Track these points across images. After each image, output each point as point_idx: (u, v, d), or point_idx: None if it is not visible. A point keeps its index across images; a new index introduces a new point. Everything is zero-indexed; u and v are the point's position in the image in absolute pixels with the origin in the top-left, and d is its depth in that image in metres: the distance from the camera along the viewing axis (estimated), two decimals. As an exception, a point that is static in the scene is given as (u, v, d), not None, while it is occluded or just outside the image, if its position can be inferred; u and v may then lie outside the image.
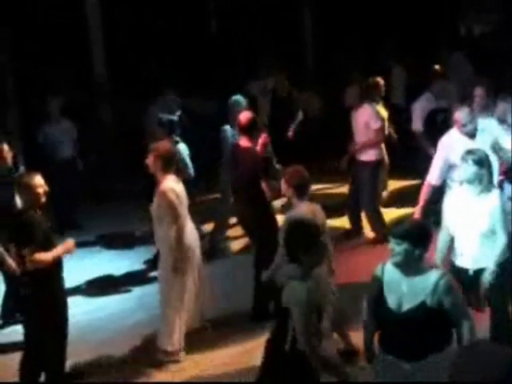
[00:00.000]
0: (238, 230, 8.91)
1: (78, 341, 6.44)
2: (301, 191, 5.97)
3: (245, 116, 7.40)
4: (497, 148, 6.56)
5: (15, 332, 6.81)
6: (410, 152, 10.01)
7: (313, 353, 4.41)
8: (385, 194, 10.16)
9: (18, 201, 6.98)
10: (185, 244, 6.36)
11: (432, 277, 4.26)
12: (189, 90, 12.27)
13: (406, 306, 4.26)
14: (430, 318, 4.22)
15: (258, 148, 7.49)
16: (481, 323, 5.68)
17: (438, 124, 8.76)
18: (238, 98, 8.89)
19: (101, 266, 8.91)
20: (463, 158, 5.59)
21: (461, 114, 6.77)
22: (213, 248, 8.84)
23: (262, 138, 7.62)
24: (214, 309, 6.97)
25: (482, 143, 6.51)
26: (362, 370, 5.32)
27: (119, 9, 13.05)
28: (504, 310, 5.77)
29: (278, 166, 8.55)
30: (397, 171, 10.51)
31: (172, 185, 6.36)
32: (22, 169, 8.19)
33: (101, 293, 8.18)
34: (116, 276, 8.65)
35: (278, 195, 7.88)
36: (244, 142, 7.34)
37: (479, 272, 5.56)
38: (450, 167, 6.81)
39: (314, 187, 10.33)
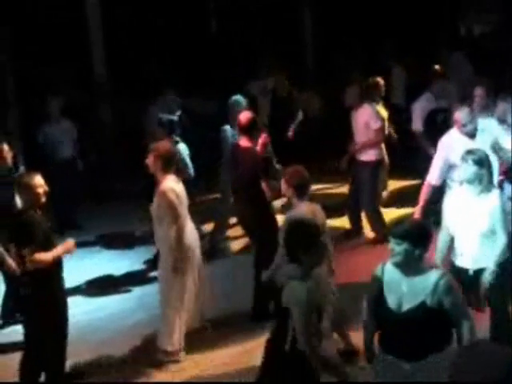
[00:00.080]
0: (238, 230, 8.91)
1: (77, 341, 6.44)
2: (301, 191, 5.97)
3: (245, 116, 7.40)
4: (497, 148, 6.57)
5: (15, 332, 6.81)
6: (409, 152, 10.01)
7: (313, 353, 4.41)
8: (385, 194, 10.16)
9: (18, 201, 6.98)
10: (185, 244, 6.36)
11: (432, 277, 4.26)
12: (189, 90, 12.27)
13: (405, 306, 4.26)
14: (429, 318, 4.22)
15: (258, 148, 7.49)
16: (481, 323, 5.68)
17: (438, 124, 8.77)
18: (238, 97, 8.89)
19: (101, 266, 8.91)
20: (463, 158, 5.59)
21: (461, 114, 6.77)
22: (213, 248, 8.84)
23: (262, 138, 7.63)
24: (213, 309, 6.97)
25: (482, 143, 6.51)
26: (362, 370, 5.32)
27: (119, 9, 13.05)
28: (504, 310, 5.77)
29: (278, 166, 8.55)
30: (397, 171, 10.51)
31: (172, 185, 6.36)
32: (22, 169, 8.19)
33: (101, 293, 8.18)
34: (116, 276, 8.65)
35: (278, 195, 7.88)
36: (244, 141, 7.34)
37: (479, 272, 5.56)
38: (450, 167, 6.81)
39: (314, 187, 10.32)
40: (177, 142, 8.25)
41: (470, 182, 5.54)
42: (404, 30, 14.51)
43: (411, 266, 4.30)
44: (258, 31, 14.88)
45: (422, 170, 7.39)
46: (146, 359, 6.58)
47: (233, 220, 8.87)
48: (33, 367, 5.96)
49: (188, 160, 8.30)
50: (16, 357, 6.14)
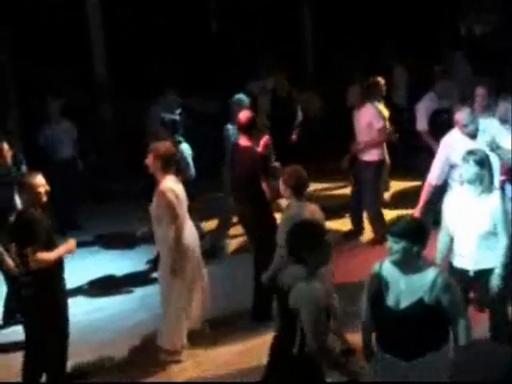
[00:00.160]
0: (238, 230, 8.91)
1: (79, 341, 6.44)
2: (298, 191, 5.98)
3: (244, 115, 7.40)
4: (494, 147, 6.53)
5: (16, 332, 6.82)
6: (410, 151, 10.01)
7: (323, 352, 4.38)
8: (387, 194, 10.16)
9: (18, 200, 6.99)
10: (184, 244, 6.37)
11: (430, 274, 4.27)
12: (189, 89, 12.28)
13: (403, 304, 4.27)
14: (427, 316, 4.23)
15: (260, 149, 7.48)
16: (481, 323, 5.70)
17: (440, 125, 8.76)
18: (241, 96, 8.91)
19: (101, 266, 8.91)
20: (464, 159, 5.58)
21: (462, 115, 6.77)
22: (213, 247, 8.84)
23: (264, 140, 7.61)
24: (214, 309, 6.97)
25: (483, 143, 6.51)
26: (362, 370, 5.31)
27: (120, 9, 13.06)
28: (504, 310, 5.77)
29: (276, 164, 8.50)
30: (398, 171, 10.52)
31: (171, 185, 6.36)
32: (24, 168, 8.20)
33: (101, 293, 8.18)
34: (117, 276, 8.65)
35: (278, 195, 7.88)
36: (243, 141, 7.34)
37: (479, 273, 5.56)
38: (451, 167, 6.81)
39: (315, 188, 10.38)
40: (179, 142, 8.25)
41: (470, 182, 5.53)
42: (404, 30, 14.51)
43: (409, 263, 4.31)
44: (258, 31, 14.90)
45: (423, 170, 7.39)
46: (148, 359, 6.58)
47: (233, 219, 8.89)
48: (34, 367, 5.96)
49: (190, 160, 8.30)
50: (17, 357, 6.15)
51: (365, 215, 9.12)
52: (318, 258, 4.52)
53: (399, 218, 4.58)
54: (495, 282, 5.49)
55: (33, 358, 5.93)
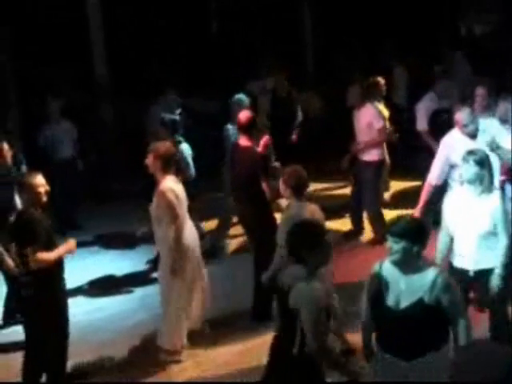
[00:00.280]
0: (238, 230, 8.91)
1: (78, 341, 6.44)
2: (298, 191, 5.98)
3: (244, 115, 7.40)
4: (494, 147, 6.52)
5: (16, 332, 6.82)
6: (410, 151, 10.01)
7: (323, 352, 4.38)
8: (387, 195, 10.16)
9: (18, 200, 6.99)
10: (183, 244, 6.36)
11: (430, 274, 4.27)
12: (189, 89, 12.28)
13: (403, 304, 4.27)
14: (427, 315, 4.23)
15: (260, 149, 7.48)
16: (481, 323, 5.70)
17: (440, 125, 8.76)
18: (241, 96, 8.91)
19: (101, 266, 8.91)
20: (464, 159, 5.57)
21: (462, 115, 6.76)
22: (213, 247, 8.85)
23: (265, 140, 7.61)
24: (213, 309, 6.97)
25: (483, 143, 6.50)
26: (362, 370, 5.31)
27: (120, 9, 13.06)
28: (503, 310, 5.77)
29: (276, 164, 8.50)
30: (398, 171, 10.52)
31: (171, 185, 6.36)
32: (24, 168, 8.20)
33: (101, 293, 8.18)
34: (117, 276, 8.65)
35: (278, 195, 7.89)
36: (243, 141, 7.34)
37: (479, 273, 5.56)
38: (451, 167, 6.81)
39: (315, 188, 10.38)
40: (179, 142, 8.26)
41: (470, 182, 5.52)
42: (404, 30, 14.51)
43: (409, 263, 4.31)
44: (258, 31, 14.90)
45: (423, 170, 7.39)
46: (148, 359, 6.58)
47: (233, 219, 8.89)
48: (34, 368, 5.96)
49: (190, 160, 8.30)
50: (17, 357, 6.15)
51: (365, 215, 9.12)
52: (318, 258, 4.52)
53: (399, 218, 4.58)
54: (495, 282, 5.49)
55: (33, 358, 5.93)
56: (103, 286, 8.36)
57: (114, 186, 11.59)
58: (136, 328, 7.17)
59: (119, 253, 9.41)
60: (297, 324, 4.38)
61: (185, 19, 13.92)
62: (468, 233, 5.52)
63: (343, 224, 9.42)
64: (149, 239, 8.10)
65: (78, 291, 8.03)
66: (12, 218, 6.05)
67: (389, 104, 9.80)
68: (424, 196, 6.91)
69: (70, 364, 6.17)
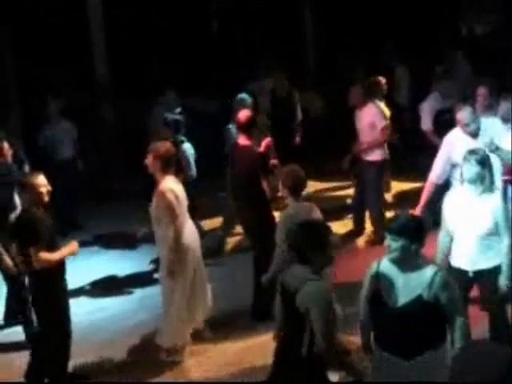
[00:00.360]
0: (237, 230, 8.90)
1: (80, 341, 6.43)
2: (296, 191, 5.99)
3: (244, 114, 7.40)
4: (493, 148, 6.51)
5: (16, 332, 6.83)
6: (412, 151, 10.00)
7: (332, 352, 4.37)
8: (388, 195, 10.15)
9: (18, 200, 6.99)
10: (183, 244, 6.36)
11: (428, 272, 4.28)
12: (190, 90, 12.28)
13: (402, 301, 4.27)
14: (425, 313, 4.23)
15: (262, 149, 7.47)
16: (481, 323, 5.71)
17: (442, 124, 8.75)
18: (244, 96, 8.92)
19: (102, 266, 8.91)
20: (465, 158, 5.56)
21: (463, 114, 6.77)
22: (218, 246, 8.87)
23: (266, 141, 7.61)
24: (214, 309, 6.97)
25: (483, 144, 6.50)
26: (366, 370, 5.31)
27: (121, 9, 13.06)
28: (504, 312, 5.77)
29: (274, 161, 8.46)
30: (399, 171, 10.51)
31: (171, 185, 6.35)
32: (27, 168, 8.21)
33: (103, 293, 8.18)
34: (118, 276, 8.64)
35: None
36: (243, 140, 7.34)
37: (478, 273, 5.55)
38: (452, 166, 6.81)
39: (315, 188, 10.38)
40: (182, 142, 8.26)
41: (471, 181, 5.51)
42: (405, 30, 14.51)
43: (408, 261, 4.31)
44: (259, 31, 14.90)
45: (424, 169, 7.38)
46: (149, 359, 6.58)
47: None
48: (39, 368, 5.96)
49: (191, 160, 8.29)
50: (18, 357, 6.15)
51: (367, 215, 9.11)
52: (323, 258, 4.51)
53: (398, 216, 4.58)
54: (505, 281, 5.47)
55: (38, 359, 5.92)
56: (104, 286, 8.36)
57: (114, 185, 11.59)
58: (137, 328, 7.17)
59: (119, 253, 9.40)
60: (305, 324, 4.35)
61: (185, 19, 13.91)
62: (468, 233, 5.52)
63: (343, 224, 9.42)
64: (149, 239, 8.10)
65: (79, 291, 8.03)
66: (13, 218, 6.05)
67: (390, 104, 9.79)
68: (425, 195, 6.91)
69: (71, 364, 6.17)
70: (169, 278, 6.34)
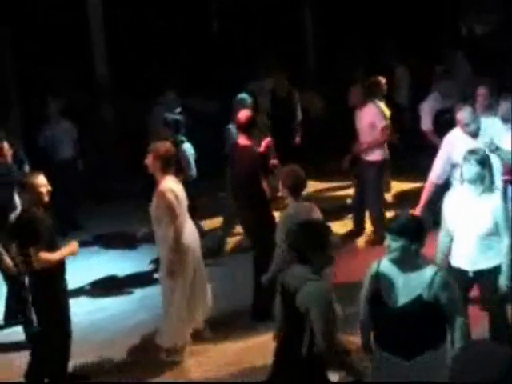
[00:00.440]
0: (237, 230, 8.90)
1: (80, 341, 6.43)
2: (296, 191, 5.99)
3: (243, 114, 7.40)
4: (493, 148, 6.51)
5: (16, 332, 6.83)
6: (412, 151, 10.00)
7: (332, 352, 4.37)
8: (388, 195, 10.15)
9: (18, 200, 6.99)
10: (183, 244, 6.36)
11: (428, 272, 4.28)
12: (190, 90, 12.28)
13: (402, 301, 4.28)
14: (426, 313, 4.23)
15: (262, 149, 7.47)
16: (481, 323, 5.71)
17: (442, 124, 8.75)
18: (244, 96, 8.92)
19: (102, 266, 8.91)
20: (465, 158, 5.56)
21: (463, 114, 6.77)
22: (218, 246, 8.87)
23: (266, 142, 7.61)
24: (214, 309, 6.97)
25: (483, 144, 6.50)
26: (366, 370, 5.31)
27: (121, 9, 13.05)
28: (503, 311, 5.77)
29: (274, 161, 8.46)
30: (399, 171, 10.51)
31: (171, 185, 6.35)
32: (27, 168, 8.21)
33: (103, 293, 8.18)
34: (118, 276, 8.64)
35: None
36: (243, 140, 7.34)
37: (478, 273, 5.56)
38: (452, 166, 6.81)
39: (315, 188, 10.38)
40: (182, 142, 8.26)
41: (471, 181, 5.51)
42: (405, 31, 14.51)
43: (408, 261, 4.31)
44: (259, 32, 14.90)
45: (424, 169, 7.38)
46: (149, 359, 6.58)
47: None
48: (39, 368, 5.96)
49: (191, 160, 8.29)
50: (18, 357, 6.15)
51: (367, 215, 9.11)
52: (324, 258, 4.51)
53: (398, 216, 4.58)
54: (505, 281, 5.47)
55: (38, 358, 5.93)
56: (104, 286, 8.36)
57: (114, 186, 11.59)
58: (137, 328, 7.17)
59: (119, 253, 9.40)
60: (305, 324, 4.35)
61: (185, 19, 13.91)
62: (468, 233, 5.52)
63: (343, 224, 9.42)
64: (150, 239, 8.10)
65: (79, 291, 8.02)
66: (13, 218, 6.05)
67: (390, 104, 9.79)
68: (425, 195, 6.91)
69: (71, 364, 6.17)
70: (169, 278, 6.34)
